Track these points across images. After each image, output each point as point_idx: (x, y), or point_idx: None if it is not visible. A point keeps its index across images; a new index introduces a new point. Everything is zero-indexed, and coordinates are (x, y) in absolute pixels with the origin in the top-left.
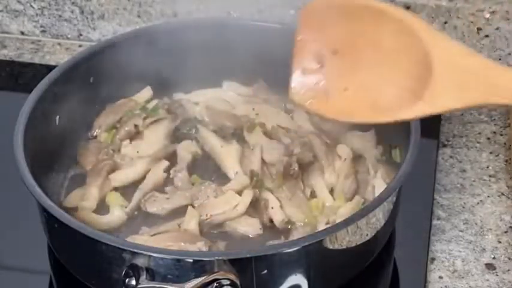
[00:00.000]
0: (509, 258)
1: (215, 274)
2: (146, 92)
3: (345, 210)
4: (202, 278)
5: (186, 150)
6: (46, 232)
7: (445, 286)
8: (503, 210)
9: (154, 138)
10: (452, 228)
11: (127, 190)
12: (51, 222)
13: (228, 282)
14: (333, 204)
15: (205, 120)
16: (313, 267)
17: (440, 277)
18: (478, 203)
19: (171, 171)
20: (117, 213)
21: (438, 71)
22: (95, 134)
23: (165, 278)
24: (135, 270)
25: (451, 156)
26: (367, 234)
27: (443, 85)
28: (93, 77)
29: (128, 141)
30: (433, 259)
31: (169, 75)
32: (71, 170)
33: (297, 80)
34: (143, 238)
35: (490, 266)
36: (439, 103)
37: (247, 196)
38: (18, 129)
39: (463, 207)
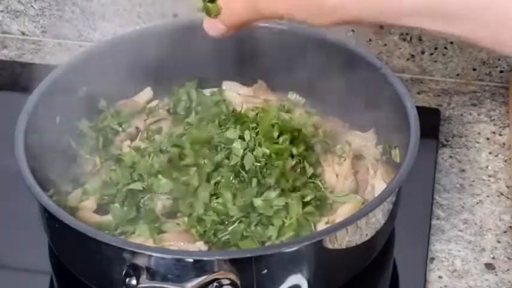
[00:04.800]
0: (508, 258)
1: (215, 274)
2: (146, 93)
3: (345, 210)
4: (203, 277)
5: None
6: (47, 232)
7: (445, 286)
8: (503, 210)
9: (155, 138)
10: (452, 228)
11: None
12: (51, 222)
13: (228, 282)
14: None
15: None
16: (313, 267)
17: (440, 277)
18: (477, 203)
19: None
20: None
21: None
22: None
23: (166, 277)
24: (135, 270)
25: (450, 156)
26: (366, 234)
27: None
28: (94, 78)
29: (129, 141)
30: (432, 259)
31: (170, 75)
32: (71, 170)
33: None
34: (143, 238)
35: (489, 266)
36: None
37: None
38: (19, 129)
39: (463, 207)
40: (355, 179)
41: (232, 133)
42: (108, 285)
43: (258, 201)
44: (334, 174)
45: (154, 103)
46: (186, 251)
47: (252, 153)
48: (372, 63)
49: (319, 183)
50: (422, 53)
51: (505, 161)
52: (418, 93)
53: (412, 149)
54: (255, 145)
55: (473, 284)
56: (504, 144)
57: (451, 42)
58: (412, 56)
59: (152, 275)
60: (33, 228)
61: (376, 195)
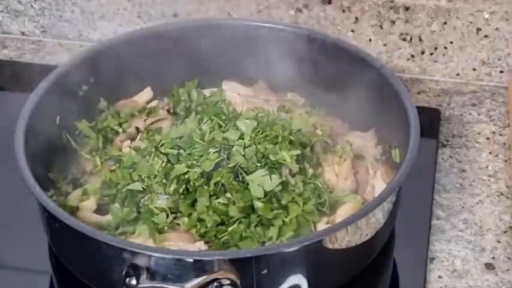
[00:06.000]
0: (508, 258)
1: (215, 274)
2: (146, 93)
3: (345, 210)
4: (203, 277)
5: None
6: (47, 232)
7: (445, 286)
8: (503, 210)
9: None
10: (452, 228)
11: None
12: (52, 222)
13: (228, 282)
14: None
15: None
16: (313, 267)
17: (440, 277)
18: (477, 203)
19: None
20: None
21: None
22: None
23: (166, 277)
24: (135, 270)
25: (450, 156)
26: (366, 234)
27: None
28: (94, 78)
29: (129, 141)
30: (432, 259)
31: (170, 75)
32: (71, 170)
33: None
34: (143, 238)
35: (489, 266)
36: None
37: None
38: (19, 129)
39: (463, 207)
40: (355, 179)
41: (232, 133)
42: (108, 285)
43: (258, 203)
44: (334, 174)
45: (154, 103)
46: (186, 251)
47: (252, 154)
48: (372, 63)
49: (319, 184)
50: (422, 53)
51: (505, 161)
52: (418, 93)
53: (412, 149)
54: (255, 145)
55: (473, 284)
56: (504, 144)
57: (451, 42)
58: (412, 56)
59: (152, 275)
60: (33, 228)
61: (376, 195)
